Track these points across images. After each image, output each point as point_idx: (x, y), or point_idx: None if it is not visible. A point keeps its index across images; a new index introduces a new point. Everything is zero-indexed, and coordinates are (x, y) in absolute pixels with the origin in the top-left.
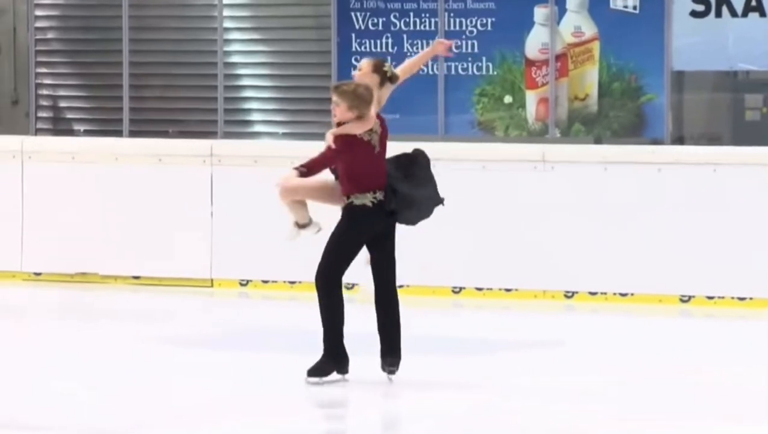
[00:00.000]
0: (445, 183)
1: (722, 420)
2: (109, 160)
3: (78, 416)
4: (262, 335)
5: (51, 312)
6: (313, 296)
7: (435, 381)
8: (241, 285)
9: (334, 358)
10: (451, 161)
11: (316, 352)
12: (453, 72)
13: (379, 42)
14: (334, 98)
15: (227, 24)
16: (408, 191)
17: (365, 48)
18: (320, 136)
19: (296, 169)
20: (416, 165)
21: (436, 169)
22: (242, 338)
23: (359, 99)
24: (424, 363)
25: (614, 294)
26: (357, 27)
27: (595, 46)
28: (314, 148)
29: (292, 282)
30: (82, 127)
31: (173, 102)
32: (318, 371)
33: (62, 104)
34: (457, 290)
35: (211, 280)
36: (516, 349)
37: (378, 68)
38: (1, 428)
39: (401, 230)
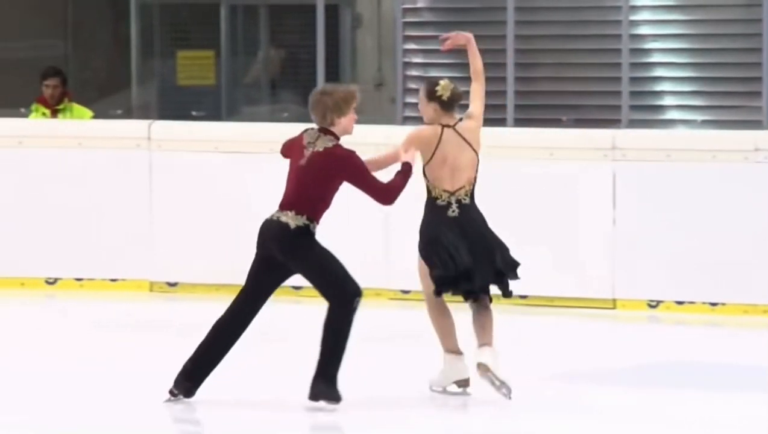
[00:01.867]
0: None
1: None
2: (492, 154)
3: None
4: (675, 368)
5: (421, 336)
6: None
7: None
8: (651, 306)
9: None
10: None
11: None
12: None
13: None
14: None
15: None
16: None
17: None
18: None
19: None
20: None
21: None
22: (651, 372)
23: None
24: None
25: None
26: None
27: None
28: (740, 139)
29: (714, 304)
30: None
31: (567, 84)
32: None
33: None
34: None
35: (614, 301)
36: None
37: (431, 95)
38: None
39: None
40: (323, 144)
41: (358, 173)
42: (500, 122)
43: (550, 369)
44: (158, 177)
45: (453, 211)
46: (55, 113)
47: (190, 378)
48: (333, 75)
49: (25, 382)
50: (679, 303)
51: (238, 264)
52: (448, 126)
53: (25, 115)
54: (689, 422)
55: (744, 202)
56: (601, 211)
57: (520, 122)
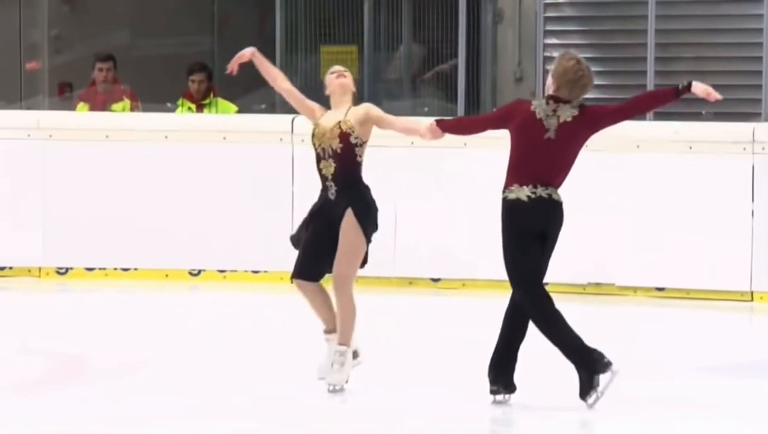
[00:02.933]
0: None
1: None
2: (630, 148)
3: None
4: None
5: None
6: None
7: None
8: None
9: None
10: None
11: None
12: None
13: None
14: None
15: None
16: None
17: None
18: None
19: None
20: None
21: None
22: None
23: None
24: None
25: None
26: None
27: None
28: None
29: None
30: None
31: (707, 77)
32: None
33: None
34: None
35: (751, 294)
36: None
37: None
38: None
39: None
40: (569, 114)
41: (609, 111)
42: (640, 116)
43: (686, 361)
44: (300, 170)
45: None
46: (200, 108)
47: (500, 373)
48: (473, 70)
49: (173, 372)
50: None
51: (376, 255)
52: None
53: (172, 110)
54: None
55: None
56: (740, 203)
57: (659, 115)
